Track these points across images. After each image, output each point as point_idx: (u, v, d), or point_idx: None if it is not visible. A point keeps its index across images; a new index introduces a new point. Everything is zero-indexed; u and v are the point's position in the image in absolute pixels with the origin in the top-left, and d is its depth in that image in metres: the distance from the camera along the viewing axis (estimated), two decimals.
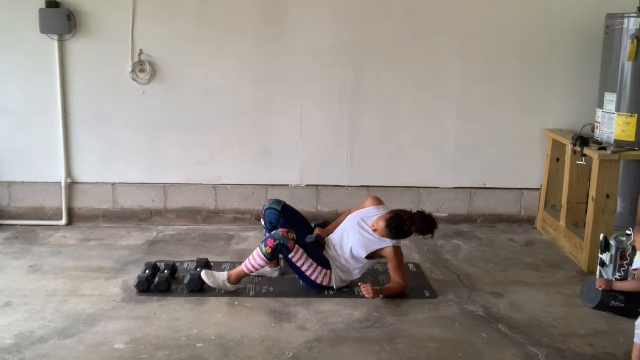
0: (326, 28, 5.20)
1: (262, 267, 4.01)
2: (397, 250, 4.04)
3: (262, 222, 4.33)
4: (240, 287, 4.08)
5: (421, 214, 4.04)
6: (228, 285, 4.02)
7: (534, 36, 5.25)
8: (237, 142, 5.33)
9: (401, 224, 3.98)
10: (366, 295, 3.98)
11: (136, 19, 5.09)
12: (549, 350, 3.45)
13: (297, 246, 3.95)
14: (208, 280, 4.01)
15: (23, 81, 5.16)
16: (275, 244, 3.92)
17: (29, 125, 5.22)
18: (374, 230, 4.06)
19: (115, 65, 5.14)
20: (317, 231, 4.28)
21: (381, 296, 4.00)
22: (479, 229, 5.44)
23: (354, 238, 4.11)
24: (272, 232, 4.03)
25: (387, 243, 4.04)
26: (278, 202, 4.32)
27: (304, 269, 4.01)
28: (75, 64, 5.14)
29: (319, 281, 4.05)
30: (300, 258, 3.98)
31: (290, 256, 3.96)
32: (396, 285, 4.04)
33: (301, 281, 4.14)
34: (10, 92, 5.18)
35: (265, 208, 4.30)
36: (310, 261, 4.01)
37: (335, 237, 4.21)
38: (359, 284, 4.08)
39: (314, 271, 4.03)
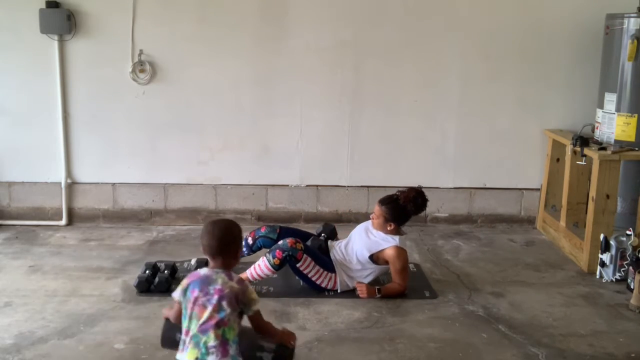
0: (326, 28, 5.20)
1: (268, 276, 4.00)
2: (400, 251, 4.02)
3: (250, 240, 4.27)
4: None
5: (411, 187, 4.18)
6: None
7: (534, 36, 5.25)
8: (237, 142, 5.33)
9: (392, 196, 4.12)
10: (361, 295, 4.00)
11: (136, 19, 5.09)
12: (549, 350, 3.44)
13: (305, 255, 3.96)
14: None
15: (23, 81, 5.16)
16: (284, 255, 3.91)
17: (29, 125, 5.22)
18: (373, 220, 4.11)
19: (115, 65, 5.14)
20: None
21: (379, 295, 4.01)
22: (479, 229, 5.44)
23: (359, 242, 4.12)
24: (280, 242, 3.99)
25: (390, 242, 4.04)
26: (273, 230, 4.28)
27: (310, 275, 4.01)
28: (75, 64, 5.14)
29: (323, 285, 4.05)
30: (308, 266, 3.98)
31: (298, 265, 3.96)
32: (395, 285, 4.05)
33: (301, 282, 4.13)
34: (10, 92, 5.18)
35: (260, 235, 4.27)
36: (317, 267, 4.01)
37: (342, 243, 4.24)
38: (355, 283, 4.08)
39: (320, 276, 4.03)
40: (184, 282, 2.66)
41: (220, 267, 2.66)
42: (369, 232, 4.15)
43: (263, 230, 4.30)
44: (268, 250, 4.03)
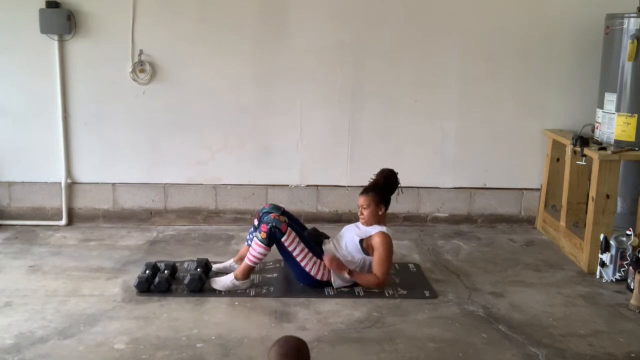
0: (326, 28, 5.19)
1: (263, 255, 4.02)
2: (385, 237, 4.06)
3: (255, 222, 4.33)
4: (251, 281, 4.13)
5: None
6: (237, 283, 4.04)
7: (534, 36, 5.25)
8: (237, 142, 5.33)
9: (369, 184, 4.23)
10: (326, 261, 4.03)
11: (136, 19, 5.09)
12: (549, 350, 3.44)
13: (289, 229, 3.99)
14: (217, 286, 4.05)
15: (23, 81, 5.16)
16: (269, 227, 3.95)
17: (29, 125, 5.22)
18: (361, 216, 4.16)
19: (115, 65, 5.14)
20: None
21: (347, 275, 4.04)
22: (479, 229, 5.44)
23: (349, 232, 4.20)
24: (264, 218, 4.06)
25: (377, 229, 4.10)
26: (277, 207, 4.33)
27: (295, 253, 4.01)
28: (75, 64, 5.14)
29: (312, 272, 4.05)
30: (293, 242, 4.00)
31: (283, 240, 3.97)
32: (371, 277, 4.07)
33: (300, 283, 4.13)
34: (10, 92, 5.17)
35: (264, 211, 4.30)
36: (302, 246, 4.02)
37: (334, 239, 4.28)
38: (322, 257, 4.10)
39: (307, 260, 4.03)
40: None
41: None
42: (359, 226, 4.22)
43: (267, 207, 4.34)
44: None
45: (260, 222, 4.24)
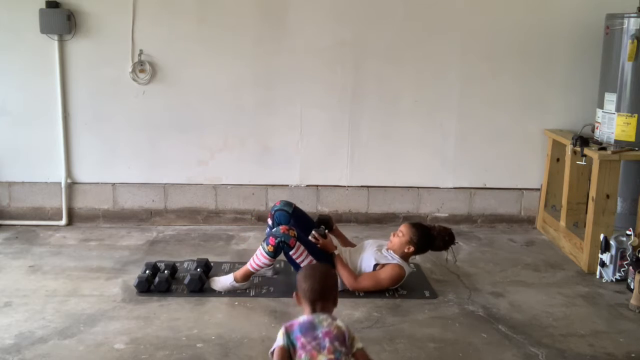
0: (326, 28, 5.19)
1: (267, 265, 4.03)
2: (399, 269, 4.02)
3: (269, 221, 4.33)
4: (251, 282, 4.13)
5: (446, 227, 4.22)
6: (237, 284, 4.04)
7: (534, 36, 5.25)
8: (237, 142, 5.33)
9: (425, 224, 4.18)
10: (313, 239, 4.06)
11: (136, 19, 5.09)
12: (549, 350, 3.45)
13: (298, 243, 3.97)
14: (216, 287, 4.05)
15: (23, 81, 5.16)
16: (277, 241, 3.93)
17: (29, 125, 5.22)
18: (393, 238, 4.12)
19: (115, 65, 5.14)
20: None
21: (335, 251, 4.07)
22: (479, 229, 5.44)
23: (369, 252, 4.14)
24: (273, 230, 4.03)
25: (397, 261, 4.06)
26: (289, 204, 4.33)
27: (303, 265, 3.99)
28: (75, 64, 5.14)
29: None
30: (301, 255, 3.98)
31: (291, 253, 3.96)
32: (351, 276, 4.02)
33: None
34: (10, 92, 5.17)
35: (276, 209, 4.31)
36: (310, 258, 4.01)
37: (349, 249, 4.29)
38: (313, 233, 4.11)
39: None
40: (282, 330, 2.62)
41: (319, 312, 2.65)
42: (382, 249, 4.16)
43: (278, 204, 4.33)
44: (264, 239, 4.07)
45: (273, 217, 4.28)
